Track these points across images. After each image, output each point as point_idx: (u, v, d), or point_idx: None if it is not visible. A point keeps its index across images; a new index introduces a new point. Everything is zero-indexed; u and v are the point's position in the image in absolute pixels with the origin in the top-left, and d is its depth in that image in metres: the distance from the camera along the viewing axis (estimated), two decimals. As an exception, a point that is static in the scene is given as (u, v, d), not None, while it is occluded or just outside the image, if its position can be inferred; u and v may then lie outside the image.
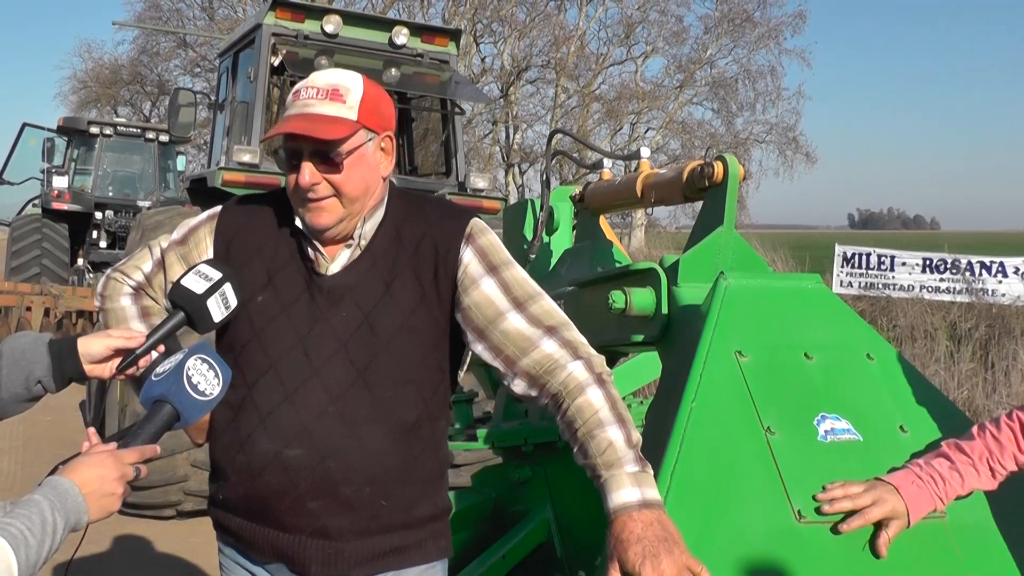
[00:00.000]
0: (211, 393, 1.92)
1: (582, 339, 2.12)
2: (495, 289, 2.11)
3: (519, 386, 2.12)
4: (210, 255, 2.22)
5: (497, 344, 2.10)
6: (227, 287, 2.09)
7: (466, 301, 2.12)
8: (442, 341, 2.16)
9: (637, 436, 2.00)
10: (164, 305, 2.25)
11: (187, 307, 2.07)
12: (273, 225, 2.21)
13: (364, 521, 2.10)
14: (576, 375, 2.04)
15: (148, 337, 2.07)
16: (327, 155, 2.06)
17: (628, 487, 1.93)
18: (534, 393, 2.10)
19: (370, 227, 2.16)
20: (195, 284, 2.07)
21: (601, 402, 2.01)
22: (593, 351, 2.11)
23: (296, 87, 2.14)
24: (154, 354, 2.09)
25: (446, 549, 2.23)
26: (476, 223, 2.18)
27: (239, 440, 2.12)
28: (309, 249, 2.16)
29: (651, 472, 1.98)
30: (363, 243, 2.15)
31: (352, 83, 2.11)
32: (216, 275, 2.09)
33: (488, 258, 2.14)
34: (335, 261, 2.15)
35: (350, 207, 2.09)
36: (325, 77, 2.12)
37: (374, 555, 2.12)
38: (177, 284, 2.09)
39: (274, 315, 2.14)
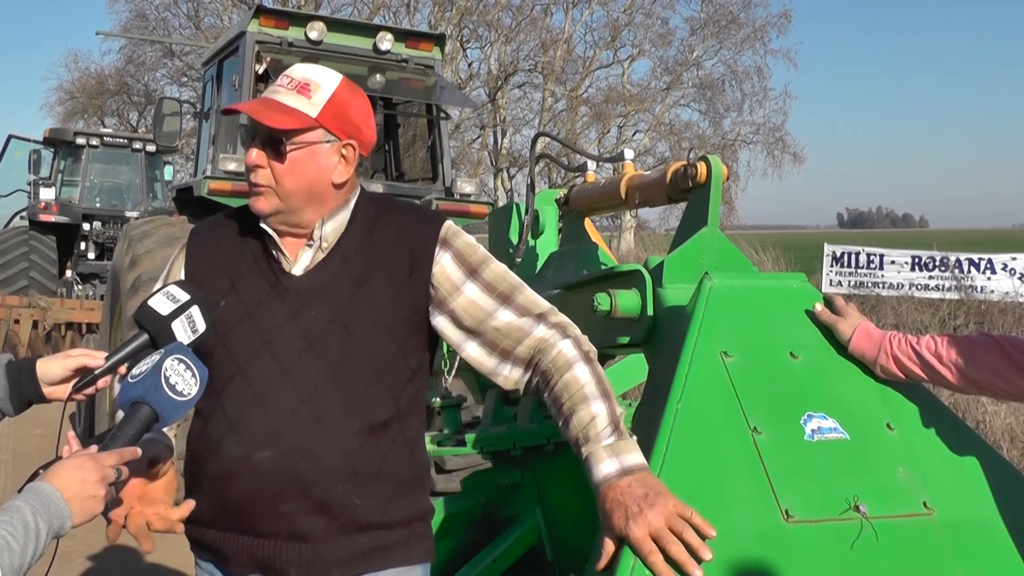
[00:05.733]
0: (189, 393, 1.91)
1: (569, 321, 2.17)
2: (479, 291, 2.14)
3: (513, 373, 2.15)
4: (181, 276, 2.21)
5: (492, 340, 2.14)
6: (194, 310, 2.04)
7: (452, 305, 2.14)
8: (412, 341, 2.17)
9: (620, 409, 2.04)
10: None
11: (151, 329, 2.01)
12: (237, 234, 2.21)
13: (339, 521, 2.08)
14: (565, 352, 2.09)
15: (108, 358, 2.02)
16: (275, 143, 2.06)
17: (606, 460, 1.96)
18: (527, 376, 2.15)
19: (332, 228, 2.15)
20: (161, 305, 2.02)
21: (587, 377, 2.06)
22: (580, 332, 2.16)
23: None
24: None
25: (429, 552, 2.23)
26: (449, 226, 2.19)
27: (209, 448, 2.11)
28: (273, 250, 2.15)
29: (631, 438, 2.01)
30: (325, 245, 2.15)
31: (326, 81, 2.10)
32: (184, 297, 2.04)
33: (467, 261, 2.16)
34: (297, 263, 2.15)
35: (287, 201, 2.09)
36: (303, 70, 2.13)
37: (353, 555, 2.10)
38: (143, 304, 2.04)
39: (238, 319, 2.13)
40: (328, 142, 2.09)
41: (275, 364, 2.09)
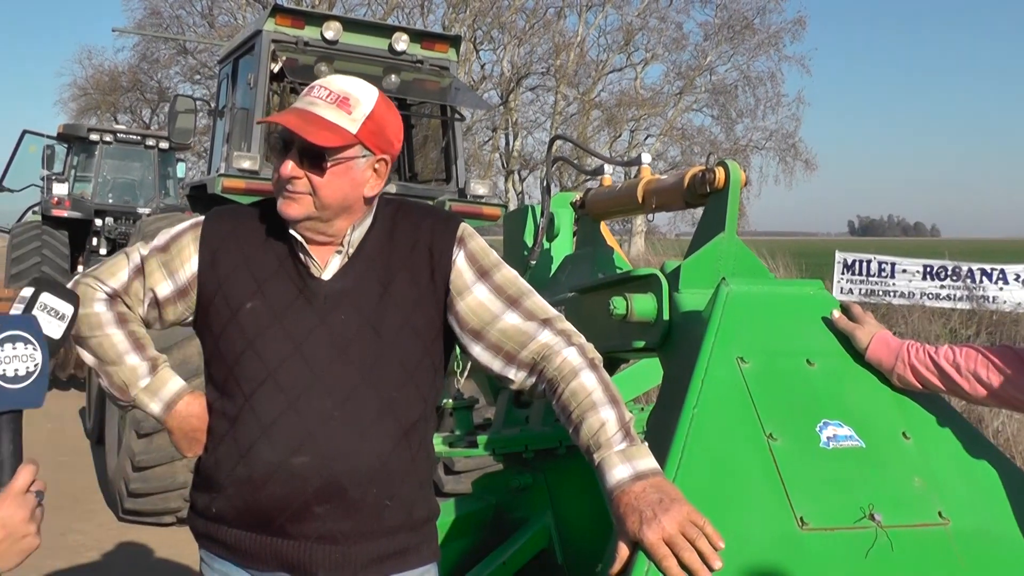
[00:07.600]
0: (31, 370, 1.75)
1: (574, 329, 2.18)
2: (488, 292, 2.16)
3: (519, 376, 2.16)
4: (194, 263, 2.17)
5: (496, 343, 2.15)
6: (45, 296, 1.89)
7: (460, 305, 2.15)
8: (436, 341, 2.19)
9: (628, 415, 2.03)
10: (140, 313, 2.19)
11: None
12: (261, 234, 2.19)
13: (369, 523, 2.10)
14: (570, 360, 2.09)
15: None
16: (315, 156, 2.06)
17: (619, 465, 1.96)
18: (532, 380, 2.15)
19: (359, 235, 2.16)
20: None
21: (594, 384, 2.06)
22: (585, 339, 2.16)
23: (313, 83, 2.13)
24: None
25: (437, 552, 2.26)
26: (465, 228, 2.21)
27: (239, 451, 2.09)
28: (301, 255, 2.15)
29: (642, 443, 2.01)
30: (351, 250, 2.15)
31: (365, 96, 2.09)
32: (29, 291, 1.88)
33: (479, 262, 2.18)
34: (327, 268, 2.14)
35: (322, 211, 2.09)
36: (341, 83, 2.11)
37: (379, 557, 2.12)
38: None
39: (268, 323, 2.12)
40: (364, 157, 2.09)
41: (307, 369, 2.08)
